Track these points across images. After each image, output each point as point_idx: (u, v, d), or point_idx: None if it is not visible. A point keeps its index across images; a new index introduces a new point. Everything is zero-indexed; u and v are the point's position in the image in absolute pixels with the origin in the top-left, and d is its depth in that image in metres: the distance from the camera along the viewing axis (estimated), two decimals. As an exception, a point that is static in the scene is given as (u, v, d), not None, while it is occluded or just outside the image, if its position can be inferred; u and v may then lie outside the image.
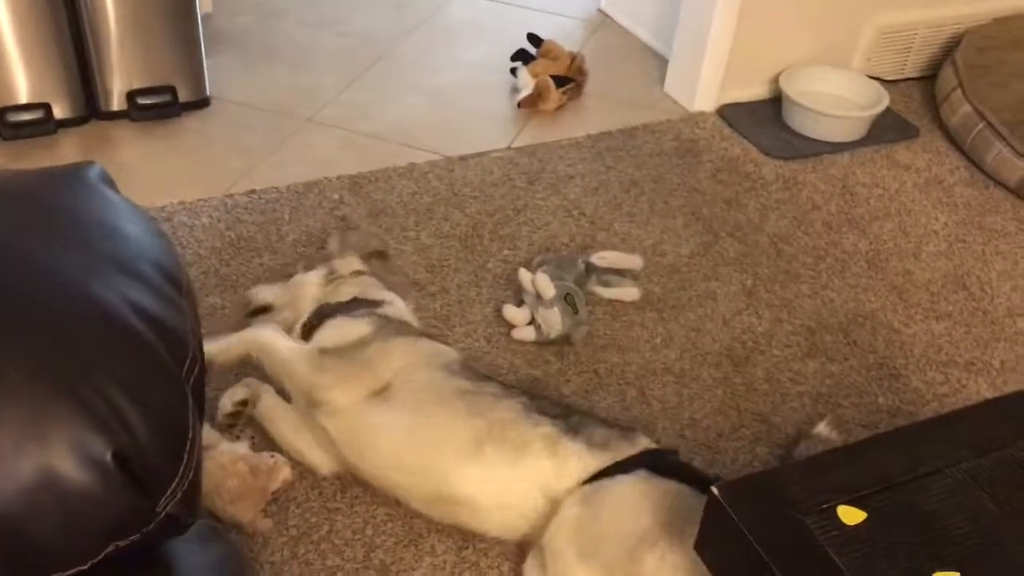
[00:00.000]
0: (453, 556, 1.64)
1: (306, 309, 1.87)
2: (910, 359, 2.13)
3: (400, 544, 1.66)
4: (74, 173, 1.07)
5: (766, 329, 2.17)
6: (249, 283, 2.14)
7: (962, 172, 2.76)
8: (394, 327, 1.77)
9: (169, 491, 0.88)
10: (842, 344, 2.15)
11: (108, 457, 0.82)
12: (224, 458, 1.63)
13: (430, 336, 1.87)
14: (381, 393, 1.66)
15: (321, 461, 1.72)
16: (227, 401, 1.75)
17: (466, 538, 1.66)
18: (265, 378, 1.80)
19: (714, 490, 1.25)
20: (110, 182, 1.09)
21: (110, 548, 0.86)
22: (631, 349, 2.09)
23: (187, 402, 0.91)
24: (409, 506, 1.67)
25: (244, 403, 1.75)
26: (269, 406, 1.77)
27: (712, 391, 2.01)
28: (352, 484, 1.73)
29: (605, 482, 1.53)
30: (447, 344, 1.87)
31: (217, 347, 1.76)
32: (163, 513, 0.88)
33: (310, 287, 1.93)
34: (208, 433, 1.69)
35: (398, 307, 1.88)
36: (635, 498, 1.50)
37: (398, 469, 1.63)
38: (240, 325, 1.88)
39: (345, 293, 1.88)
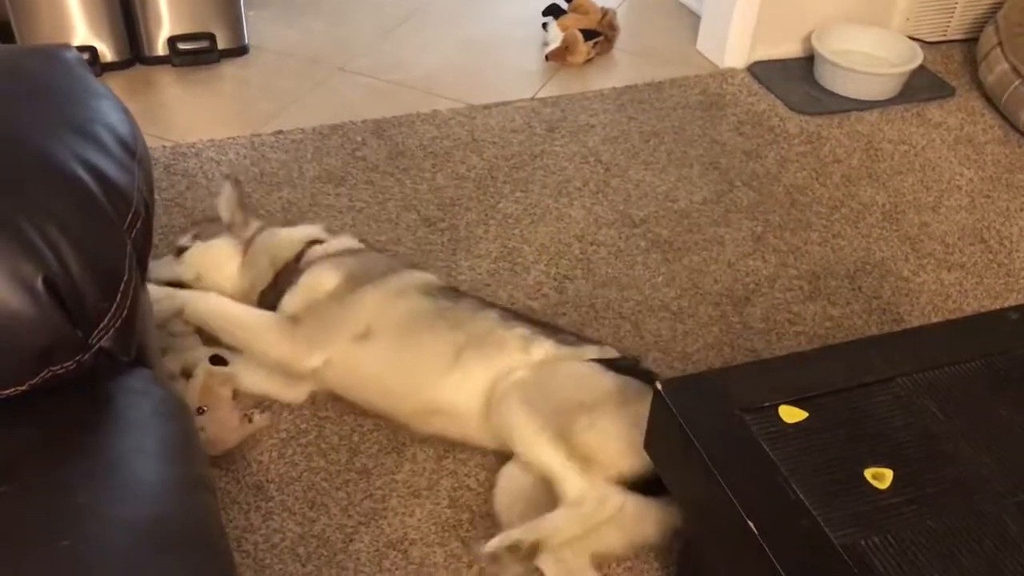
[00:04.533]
0: (432, 464, 1.70)
1: (230, 275, 1.84)
2: (915, 306, 2.11)
3: (383, 451, 1.72)
4: (50, 51, 1.16)
5: (770, 273, 2.18)
6: (267, 216, 2.24)
7: (995, 131, 2.70)
8: (361, 266, 1.76)
9: (102, 325, 0.95)
10: (846, 290, 2.14)
11: (39, 283, 0.89)
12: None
13: (400, 262, 1.87)
14: (364, 336, 1.69)
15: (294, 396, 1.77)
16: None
17: (447, 448, 1.72)
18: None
19: (658, 385, 1.29)
20: (83, 64, 1.17)
21: (46, 373, 0.94)
22: (631, 287, 2.12)
23: (125, 248, 0.98)
24: (396, 421, 1.73)
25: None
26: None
27: (708, 328, 2.02)
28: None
29: (560, 363, 1.60)
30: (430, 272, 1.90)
31: (162, 293, 1.73)
32: (96, 345, 0.96)
33: (228, 251, 1.87)
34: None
35: (343, 241, 1.88)
36: (582, 376, 1.57)
37: (387, 395, 1.69)
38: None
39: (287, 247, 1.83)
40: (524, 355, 1.62)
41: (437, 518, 1.61)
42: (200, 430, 1.62)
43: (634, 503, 1.52)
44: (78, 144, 1.01)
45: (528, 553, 1.39)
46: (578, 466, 1.46)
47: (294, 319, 1.71)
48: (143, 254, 1.04)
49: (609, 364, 1.60)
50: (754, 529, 1.11)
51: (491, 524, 1.59)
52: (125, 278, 0.97)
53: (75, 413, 0.96)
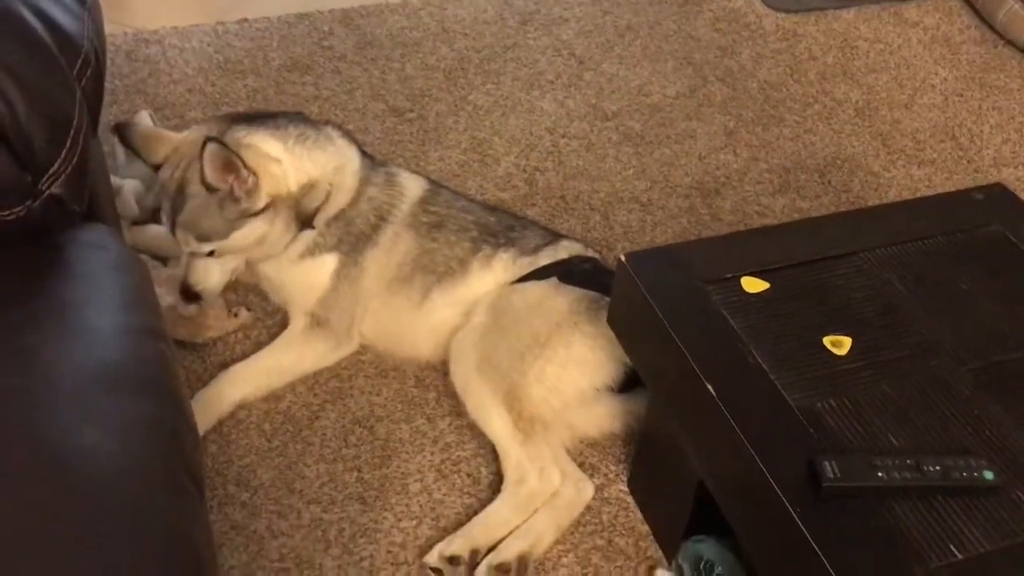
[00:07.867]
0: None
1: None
2: (884, 199, 2.11)
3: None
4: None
5: (741, 166, 2.17)
6: (232, 103, 2.19)
7: (972, 31, 2.68)
8: (353, 236, 1.61)
9: (52, 171, 0.93)
10: (816, 183, 2.14)
11: (-18, 123, 0.87)
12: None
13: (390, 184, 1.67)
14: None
15: None
16: None
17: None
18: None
19: (621, 257, 1.28)
20: (28, -88, 1.12)
21: (-6, 219, 0.92)
22: (601, 179, 2.10)
23: (75, 95, 0.95)
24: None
25: None
26: None
27: (676, 219, 2.02)
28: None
29: (514, 288, 1.58)
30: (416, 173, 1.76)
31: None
32: (47, 192, 0.93)
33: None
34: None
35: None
36: (535, 305, 1.55)
37: (392, 346, 1.68)
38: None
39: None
40: (486, 272, 1.62)
41: (403, 396, 1.62)
42: (189, 317, 1.63)
43: (608, 403, 1.55)
44: (24, -11, 0.97)
45: (469, 562, 1.37)
46: (523, 435, 1.46)
47: (315, 319, 1.62)
48: (94, 103, 1.01)
49: (565, 271, 1.58)
50: (712, 392, 1.12)
51: (455, 403, 1.60)
52: (75, 124, 0.94)
53: (25, 262, 0.94)
